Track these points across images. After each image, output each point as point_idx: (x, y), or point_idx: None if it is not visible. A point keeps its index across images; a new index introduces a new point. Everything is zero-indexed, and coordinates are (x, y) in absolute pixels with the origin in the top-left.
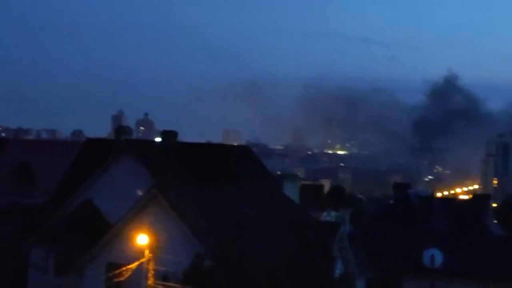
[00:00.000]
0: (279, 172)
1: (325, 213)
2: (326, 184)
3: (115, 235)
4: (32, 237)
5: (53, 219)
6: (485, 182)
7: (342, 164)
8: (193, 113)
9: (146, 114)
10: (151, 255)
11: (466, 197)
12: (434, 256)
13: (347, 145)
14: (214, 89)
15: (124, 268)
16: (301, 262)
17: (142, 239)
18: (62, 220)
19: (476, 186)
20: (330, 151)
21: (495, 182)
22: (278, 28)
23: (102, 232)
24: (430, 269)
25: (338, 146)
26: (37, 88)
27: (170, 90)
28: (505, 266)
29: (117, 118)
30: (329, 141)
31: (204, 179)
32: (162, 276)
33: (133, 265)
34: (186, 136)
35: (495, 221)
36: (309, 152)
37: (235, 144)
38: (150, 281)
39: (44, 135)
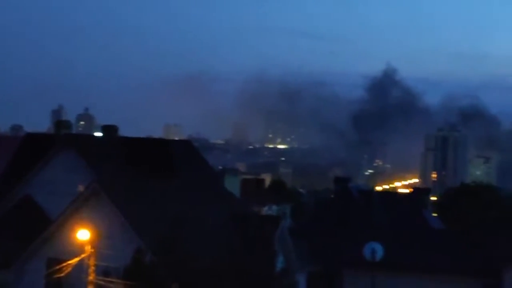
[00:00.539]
0: (220, 167)
1: (266, 207)
2: (267, 178)
3: (56, 230)
4: None
5: None
6: (424, 176)
7: (283, 158)
8: (134, 107)
9: (86, 109)
10: (92, 250)
11: (406, 190)
12: (375, 250)
13: (288, 139)
14: (156, 84)
15: (64, 264)
16: (242, 256)
17: (82, 234)
18: (1, 215)
19: (415, 180)
20: (271, 145)
21: (434, 175)
22: (220, 23)
23: (42, 227)
24: (371, 263)
25: (279, 140)
26: None
27: (111, 85)
28: (444, 259)
29: (56, 113)
30: (270, 135)
31: (145, 173)
32: (103, 272)
33: (74, 261)
34: (127, 130)
35: (435, 215)
36: (250, 147)
37: (176, 138)
38: (91, 277)
39: None
